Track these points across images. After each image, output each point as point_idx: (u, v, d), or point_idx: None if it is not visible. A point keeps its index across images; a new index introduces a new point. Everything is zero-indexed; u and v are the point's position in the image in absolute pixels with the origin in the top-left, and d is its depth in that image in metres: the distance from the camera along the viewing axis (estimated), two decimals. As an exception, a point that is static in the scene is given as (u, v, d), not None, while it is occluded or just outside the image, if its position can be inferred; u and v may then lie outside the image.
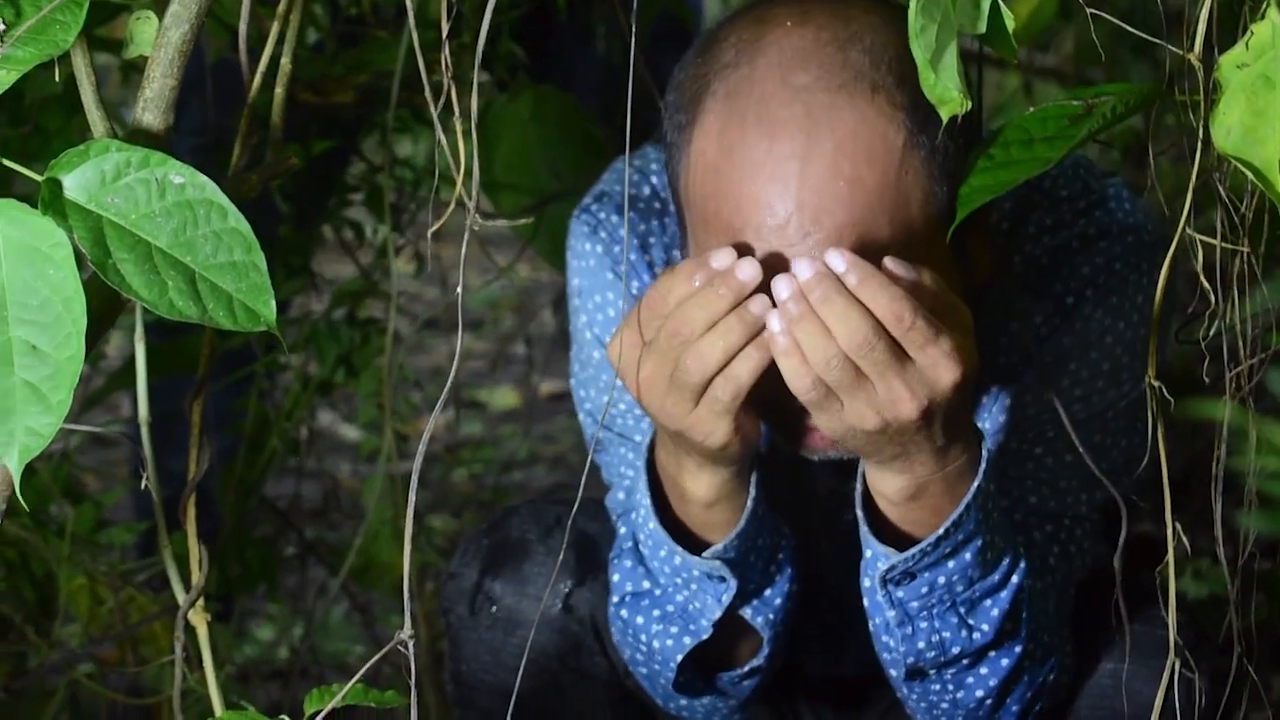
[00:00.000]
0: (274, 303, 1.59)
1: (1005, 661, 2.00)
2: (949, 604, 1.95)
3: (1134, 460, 1.98)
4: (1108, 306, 2.05)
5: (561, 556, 2.18)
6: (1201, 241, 1.82)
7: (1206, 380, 1.92)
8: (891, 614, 1.96)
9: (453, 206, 1.62)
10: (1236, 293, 1.84)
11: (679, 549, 1.97)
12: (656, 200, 2.17)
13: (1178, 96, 1.79)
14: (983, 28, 1.73)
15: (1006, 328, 2.08)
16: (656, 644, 2.05)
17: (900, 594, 1.94)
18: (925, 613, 1.95)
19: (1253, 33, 1.68)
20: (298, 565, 3.49)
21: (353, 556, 3.01)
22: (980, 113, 1.91)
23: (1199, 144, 1.76)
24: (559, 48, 2.96)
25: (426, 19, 2.67)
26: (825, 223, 1.84)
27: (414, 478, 1.67)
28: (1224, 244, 1.83)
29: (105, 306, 1.61)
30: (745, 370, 1.80)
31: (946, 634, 1.97)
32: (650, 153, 2.21)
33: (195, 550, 1.79)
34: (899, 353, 1.77)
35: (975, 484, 1.89)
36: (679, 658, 2.04)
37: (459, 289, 1.56)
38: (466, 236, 1.60)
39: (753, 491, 1.96)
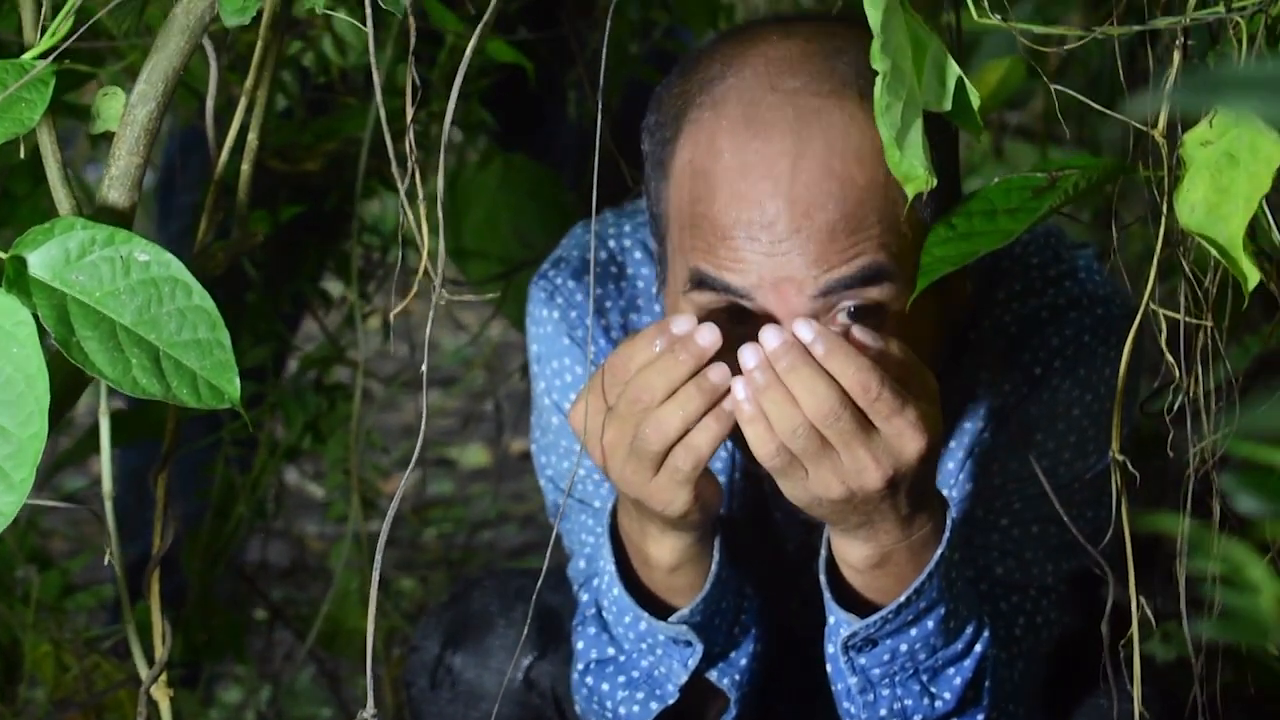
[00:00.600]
0: (238, 380, 1.59)
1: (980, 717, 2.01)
2: (911, 671, 1.95)
3: (1100, 531, 1.98)
4: (1075, 378, 2.05)
5: (525, 630, 2.17)
6: (1165, 315, 1.83)
7: (1171, 454, 1.92)
8: (854, 680, 1.96)
9: (418, 279, 1.62)
10: (1200, 367, 1.85)
11: (644, 614, 1.97)
12: (613, 264, 2.16)
13: (1141, 172, 1.79)
14: (948, 105, 1.74)
15: (972, 393, 2.08)
16: (623, 710, 2.04)
17: (862, 660, 1.94)
18: (887, 680, 1.95)
19: (1216, 111, 1.69)
20: (265, 628, 3.48)
21: (320, 623, 2.99)
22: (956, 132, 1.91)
23: (1163, 218, 1.77)
24: (529, 114, 2.96)
25: (395, 86, 2.68)
26: (816, 218, 1.84)
27: (378, 556, 1.67)
28: (1188, 318, 1.84)
29: (69, 384, 1.61)
30: (704, 441, 1.80)
31: (909, 701, 1.97)
32: (609, 217, 2.20)
33: (159, 625, 1.79)
34: (864, 422, 1.77)
35: (939, 552, 1.88)
36: None
37: (423, 365, 1.56)
38: (432, 313, 1.60)
39: (716, 555, 1.95)
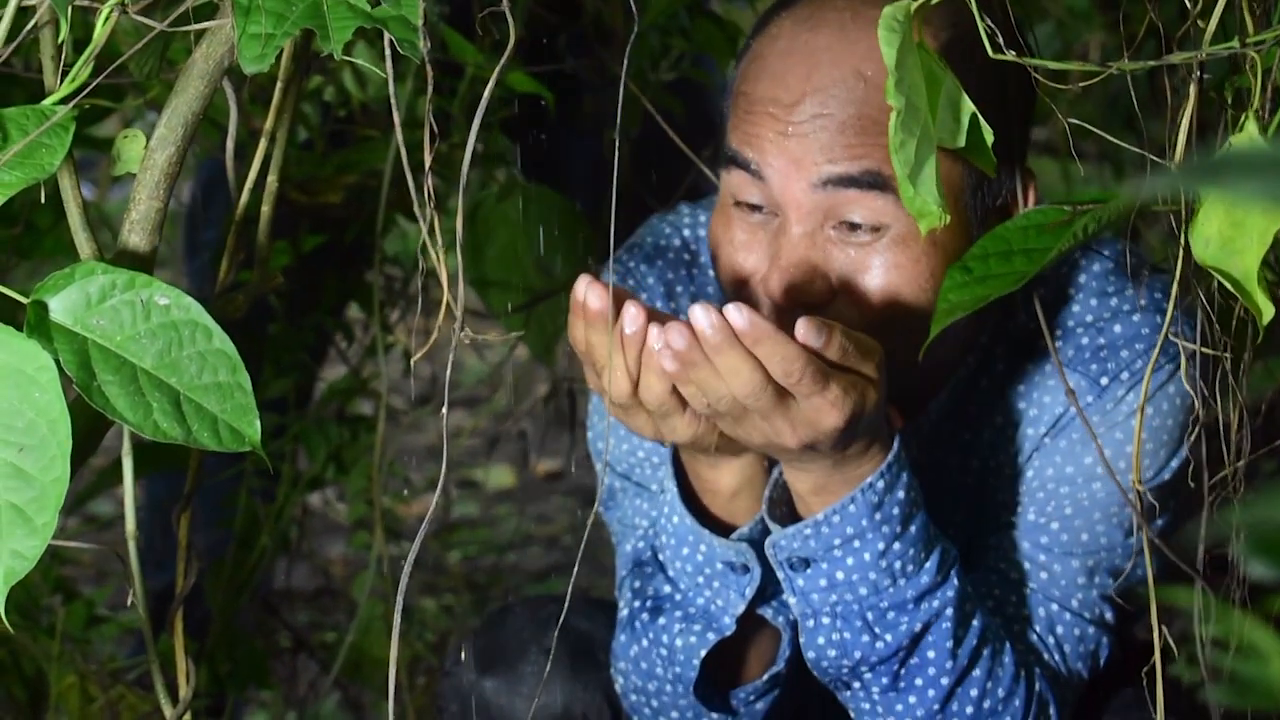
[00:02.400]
0: (258, 423, 1.60)
1: (932, 693, 2.03)
2: (855, 608, 1.99)
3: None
4: (1139, 393, 2.06)
5: (553, 654, 2.20)
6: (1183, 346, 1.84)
7: (1192, 484, 1.93)
8: (794, 603, 2.01)
9: (440, 321, 1.63)
10: (1220, 397, 1.85)
11: (705, 533, 2.02)
12: (686, 252, 2.25)
13: (1157, 207, 1.80)
14: (962, 141, 1.75)
15: (1037, 397, 2.13)
16: (679, 642, 2.08)
17: (801, 582, 1.99)
18: (829, 610, 2.00)
19: (1231, 144, 1.70)
20: (290, 655, 3.49)
21: (344, 653, 3.00)
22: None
23: (1180, 251, 1.78)
24: (550, 143, 2.97)
25: (415, 119, 2.68)
26: (835, 111, 1.94)
27: (399, 597, 1.67)
28: (1204, 349, 1.85)
29: (90, 428, 1.62)
30: (659, 388, 1.85)
31: (848, 635, 2.00)
32: (684, 208, 2.29)
33: (182, 664, 1.79)
34: (785, 396, 1.83)
35: (867, 480, 1.94)
36: (703, 653, 2.07)
37: (444, 408, 1.56)
38: (452, 354, 1.61)
39: (776, 472, 2.01)
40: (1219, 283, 1.73)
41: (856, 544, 1.97)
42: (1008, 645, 2.05)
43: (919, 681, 2.03)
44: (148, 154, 1.63)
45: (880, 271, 1.95)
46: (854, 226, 1.95)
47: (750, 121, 1.98)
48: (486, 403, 5.45)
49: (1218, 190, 0.68)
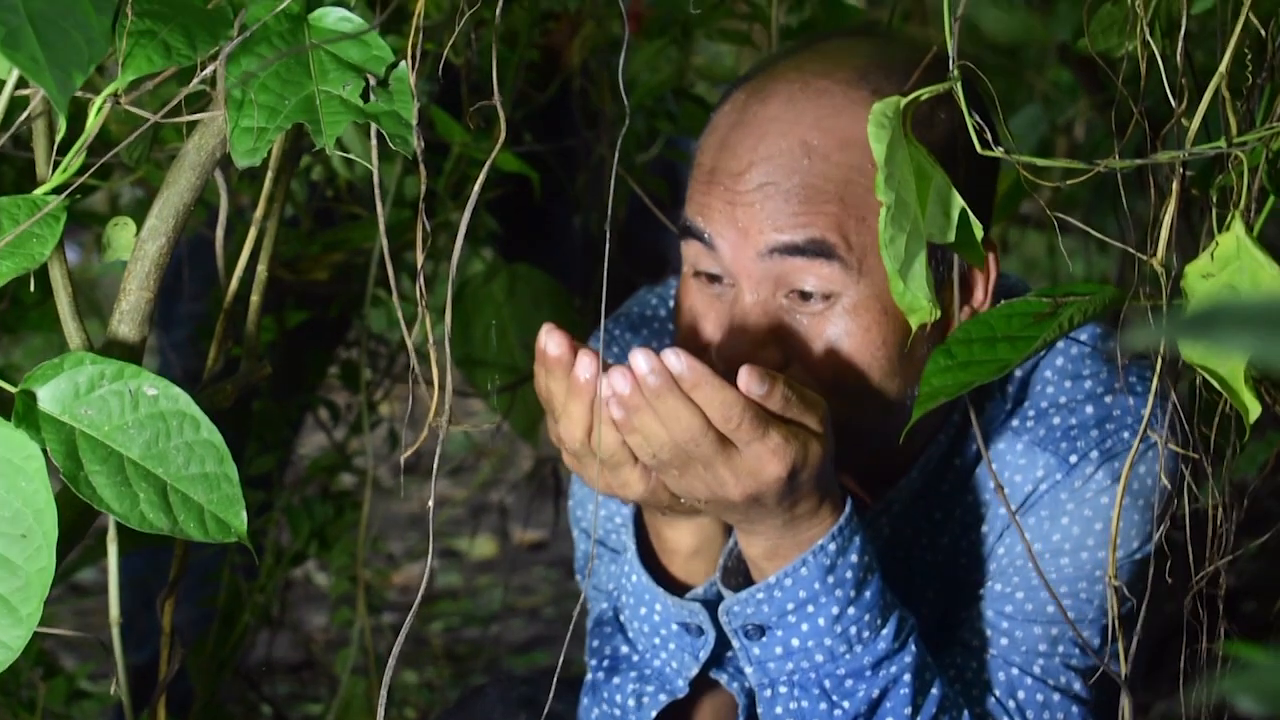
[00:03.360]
0: (245, 514, 1.59)
1: None
2: (811, 676, 1.99)
3: (1123, 621, 2.03)
4: (1109, 470, 2.07)
5: None
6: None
7: (1169, 580, 1.93)
8: (751, 672, 2.00)
9: (430, 416, 1.63)
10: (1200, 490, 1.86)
11: (660, 593, 2.02)
12: (670, 322, 2.27)
13: (1142, 301, 1.80)
14: (951, 237, 1.76)
15: (1005, 475, 2.12)
16: (631, 702, 2.09)
17: (757, 651, 1.99)
18: (786, 679, 2.00)
19: (1218, 243, 1.70)
20: (272, 728, 3.48)
21: (326, 731, 3.00)
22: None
23: (1162, 348, 1.78)
24: (535, 223, 2.98)
25: (402, 198, 2.69)
26: (781, 181, 1.96)
27: (385, 677, 1.67)
28: (1183, 451, 1.85)
29: (77, 518, 1.62)
30: (609, 436, 1.86)
31: (805, 703, 2.00)
32: (672, 281, 2.30)
33: (165, 753, 1.79)
34: (726, 444, 1.84)
35: (817, 543, 1.94)
36: (654, 714, 2.07)
37: (430, 501, 1.56)
38: (439, 451, 1.61)
39: (733, 538, 2.01)
40: (1203, 379, 1.74)
41: (810, 609, 1.97)
42: (966, 715, 2.05)
43: None
44: (138, 244, 1.63)
45: (832, 339, 1.97)
46: (805, 295, 1.96)
47: (702, 191, 2.01)
48: (471, 472, 5.45)
49: (1206, 344, 0.68)
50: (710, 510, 1.93)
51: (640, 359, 1.81)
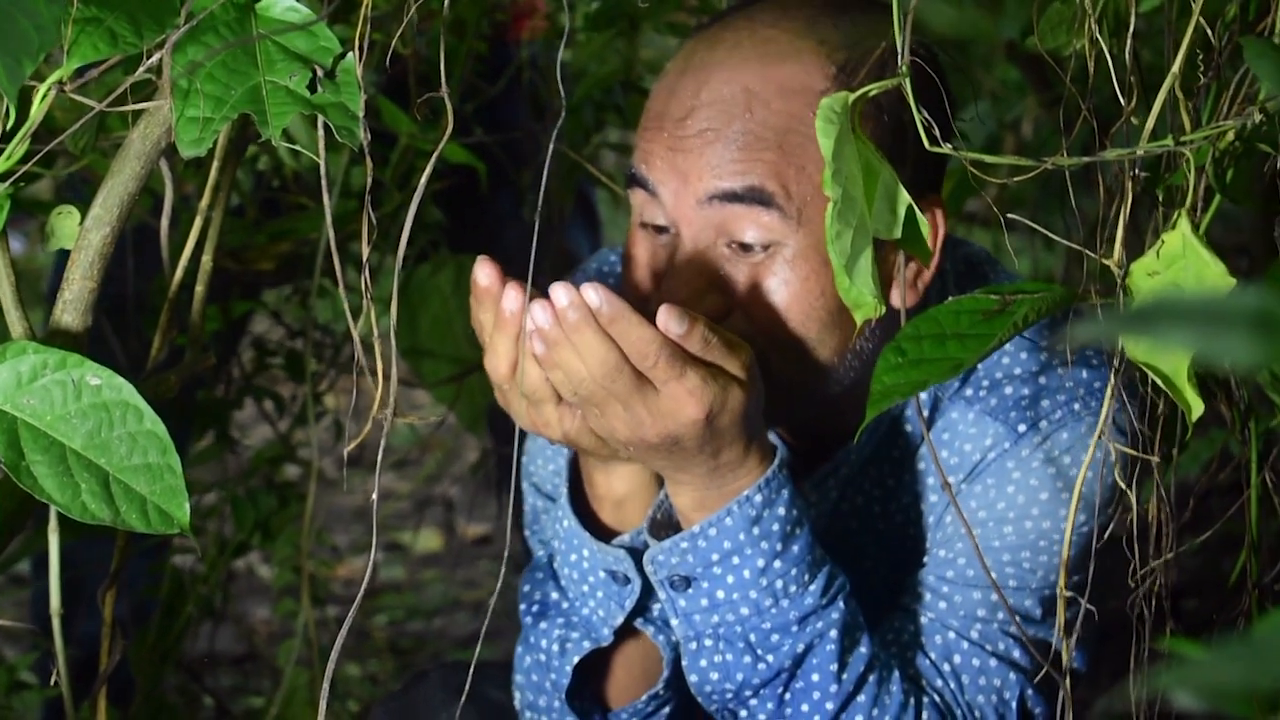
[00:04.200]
0: (188, 505, 1.58)
1: (817, 718, 2.03)
2: (737, 630, 2.00)
3: (1050, 601, 2.06)
4: (1056, 440, 2.08)
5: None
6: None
7: (1110, 576, 1.94)
8: (677, 624, 2.01)
9: (374, 410, 1.62)
10: (1149, 492, 1.86)
11: (588, 538, 2.03)
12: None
13: (1093, 300, 1.81)
14: (898, 233, 1.76)
15: (957, 445, 2.13)
16: (555, 647, 2.10)
17: (683, 603, 2.00)
18: (711, 631, 2.00)
19: (1164, 241, 1.71)
20: (213, 721, 3.47)
21: (268, 722, 2.98)
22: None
23: (1109, 345, 1.78)
24: (481, 213, 2.97)
25: (349, 188, 2.68)
26: (722, 127, 1.96)
27: (328, 671, 1.66)
28: (1135, 452, 1.85)
29: (17, 508, 1.60)
30: (534, 374, 1.87)
31: (730, 656, 2.01)
32: (610, 255, 2.34)
33: (105, 742, 1.78)
34: (643, 383, 1.85)
35: (744, 493, 1.95)
36: (576, 659, 2.09)
37: (374, 495, 1.56)
38: (383, 444, 1.60)
39: (662, 494, 2.03)
40: (1151, 380, 1.74)
41: (735, 560, 1.97)
42: (895, 675, 2.05)
43: (805, 707, 2.02)
44: (82, 233, 1.62)
45: (771, 289, 1.97)
46: (745, 245, 1.97)
47: (647, 138, 2.02)
48: (416, 465, 5.44)
49: (1149, 340, 0.68)
50: (633, 455, 1.93)
51: (560, 292, 1.82)
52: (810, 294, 1.97)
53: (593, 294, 1.81)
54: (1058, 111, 1.89)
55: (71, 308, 1.63)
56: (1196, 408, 1.70)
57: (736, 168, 1.96)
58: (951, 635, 2.09)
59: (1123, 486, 1.87)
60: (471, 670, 1.99)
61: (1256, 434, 1.97)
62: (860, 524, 2.19)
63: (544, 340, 1.83)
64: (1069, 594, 2.02)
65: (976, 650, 2.08)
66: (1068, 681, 1.87)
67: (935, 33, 4.53)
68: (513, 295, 1.84)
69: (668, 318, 1.84)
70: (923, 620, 2.10)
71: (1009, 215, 1.83)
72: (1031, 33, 1.99)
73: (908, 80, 1.71)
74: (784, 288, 1.97)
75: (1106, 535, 1.99)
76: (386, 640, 4.32)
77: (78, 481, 1.56)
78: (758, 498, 1.96)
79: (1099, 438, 1.84)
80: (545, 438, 1.95)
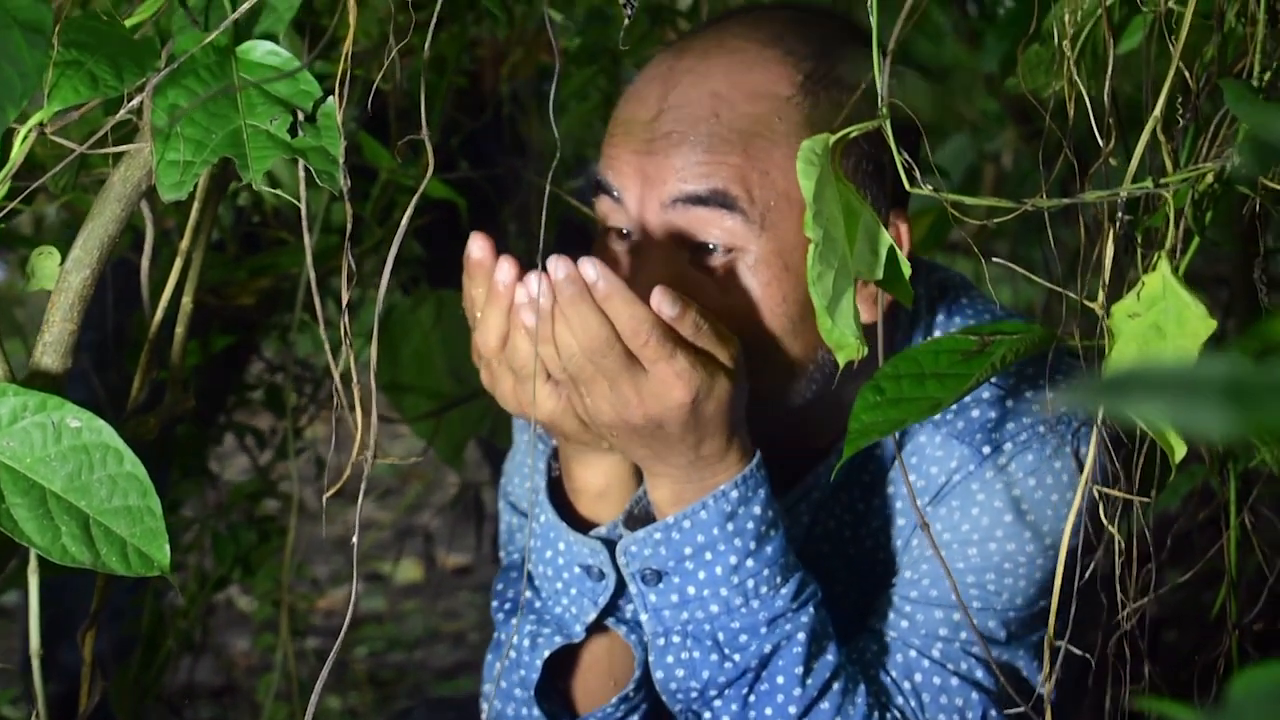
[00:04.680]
0: (168, 547, 1.58)
1: None
2: (706, 628, 2.00)
3: (1029, 622, 2.06)
4: (1021, 462, 2.08)
5: None
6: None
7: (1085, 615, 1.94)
8: (646, 620, 2.02)
9: (354, 453, 1.62)
10: (1128, 535, 1.86)
11: (564, 529, 2.03)
12: None
13: (1075, 341, 1.81)
14: (879, 274, 1.76)
15: (924, 468, 2.13)
16: (527, 643, 2.10)
17: (653, 598, 2.00)
18: (680, 628, 2.01)
19: (1144, 283, 1.71)
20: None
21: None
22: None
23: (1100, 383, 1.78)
24: (464, 249, 2.96)
25: (329, 225, 2.69)
26: (688, 130, 1.97)
27: (310, 707, 1.66)
28: (1118, 492, 1.85)
29: (-2, 551, 1.60)
30: (523, 348, 1.87)
31: (697, 654, 2.01)
32: None
33: (85, 787, 1.77)
34: (633, 362, 1.86)
35: (720, 487, 1.96)
36: (546, 654, 2.08)
37: (354, 537, 1.56)
38: (364, 483, 1.60)
39: (641, 490, 2.03)
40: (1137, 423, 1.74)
41: (708, 555, 1.98)
42: (862, 688, 2.05)
43: (768, 710, 2.02)
44: (62, 275, 1.62)
45: (733, 294, 1.97)
46: (709, 250, 1.98)
47: (613, 144, 2.02)
48: (396, 495, 5.43)
49: (1128, 410, 0.69)
50: (616, 440, 1.93)
51: (557, 264, 1.82)
52: (772, 299, 1.98)
53: (590, 268, 1.82)
54: (1038, 144, 1.90)
55: (51, 349, 1.63)
56: (1179, 450, 1.71)
57: (701, 170, 1.96)
58: (913, 654, 2.09)
59: (1103, 522, 1.87)
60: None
61: (1235, 474, 1.97)
62: (832, 548, 2.19)
63: (536, 312, 1.83)
64: (1040, 619, 2.03)
65: (938, 669, 2.08)
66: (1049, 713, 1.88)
67: (915, 58, 4.54)
68: (506, 268, 1.84)
69: (661, 299, 1.85)
70: (886, 639, 2.10)
71: (990, 253, 1.83)
72: (1011, 69, 2.00)
73: (888, 123, 1.71)
74: (746, 293, 1.98)
75: (1086, 565, 1.98)
76: (366, 672, 4.31)
77: (58, 524, 1.55)
78: (734, 494, 1.96)
79: (1091, 454, 1.83)
80: (527, 419, 1.94)
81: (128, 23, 1.60)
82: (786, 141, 1.97)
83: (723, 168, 1.96)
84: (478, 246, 1.86)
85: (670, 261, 1.98)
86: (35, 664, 1.80)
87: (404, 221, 1.68)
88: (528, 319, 1.84)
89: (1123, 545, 1.87)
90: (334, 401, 1.69)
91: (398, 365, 2.86)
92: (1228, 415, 0.62)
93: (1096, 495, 1.96)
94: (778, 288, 1.97)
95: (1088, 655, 1.85)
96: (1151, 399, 0.66)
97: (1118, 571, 1.88)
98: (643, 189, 1.98)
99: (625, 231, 2.01)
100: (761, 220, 1.96)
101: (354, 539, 1.55)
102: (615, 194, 2.00)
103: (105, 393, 2.76)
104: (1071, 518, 1.80)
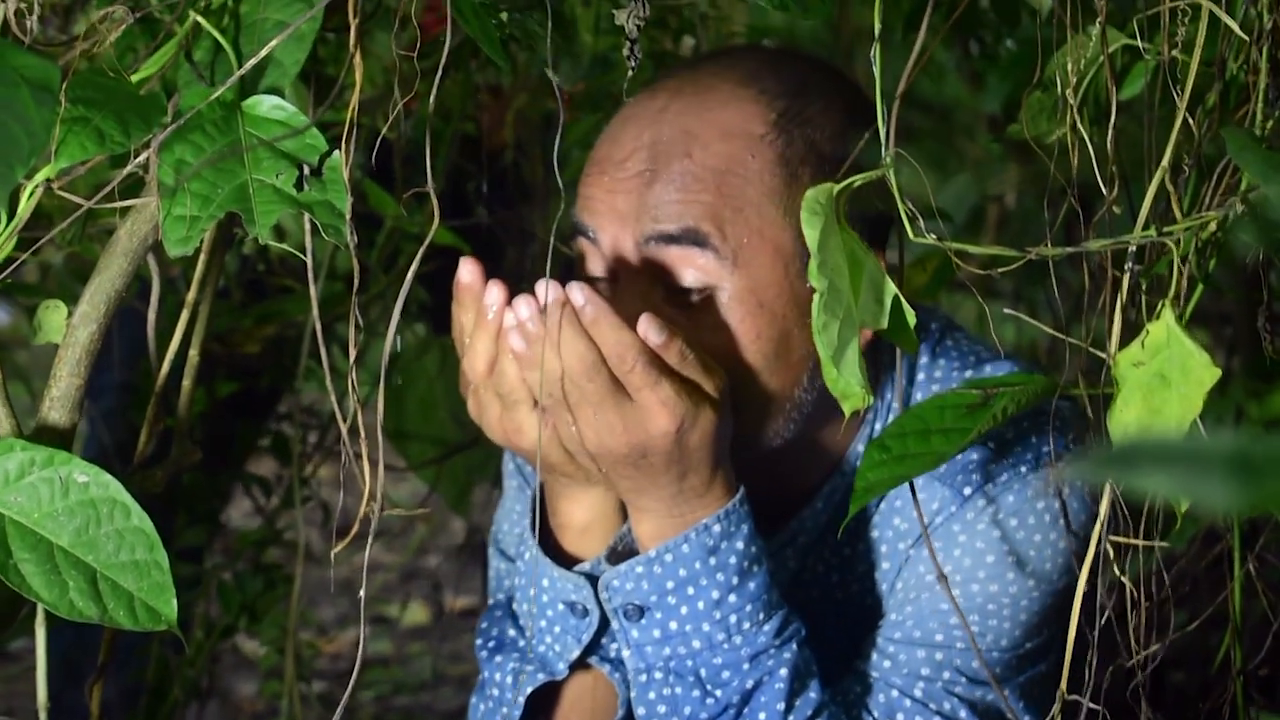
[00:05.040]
0: (175, 602, 1.58)
1: None
2: (688, 664, 1.99)
3: (1014, 664, 2.06)
4: (1003, 503, 2.07)
5: None
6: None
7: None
8: (629, 656, 2.01)
9: (363, 508, 1.62)
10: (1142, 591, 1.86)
11: (549, 564, 2.02)
12: None
13: (1080, 390, 1.81)
14: (884, 323, 1.76)
15: (905, 511, 2.13)
16: (509, 679, 2.09)
17: (636, 633, 2.00)
18: (662, 664, 2.00)
19: (1148, 332, 1.71)
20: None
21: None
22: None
23: (1104, 437, 1.78)
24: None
25: (334, 272, 2.69)
26: (661, 168, 1.97)
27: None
28: (1133, 541, 1.85)
29: (6, 606, 1.60)
30: (508, 368, 1.87)
31: (679, 690, 2.00)
32: None
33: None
34: (619, 389, 1.86)
35: (703, 521, 1.96)
36: (529, 690, 2.08)
37: (361, 592, 1.56)
38: (371, 535, 1.60)
39: (625, 527, 2.03)
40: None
41: (690, 590, 1.97)
42: None
43: None
44: (69, 330, 1.62)
45: (708, 333, 1.97)
46: (683, 289, 1.98)
47: (588, 185, 2.02)
48: (403, 537, 5.43)
49: (1133, 482, 0.69)
50: (601, 469, 1.92)
51: (543, 288, 1.83)
52: (746, 336, 1.98)
53: (578, 293, 1.83)
54: (1041, 184, 1.90)
55: (59, 404, 1.63)
56: (1185, 500, 1.71)
57: (674, 209, 1.96)
58: (895, 694, 2.08)
59: (1108, 566, 1.86)
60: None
61: (1239, 521, 1.97)
62: (821, 593, 2.19)
63: (524, 336, 1.83)
64: (1028, 660, 2.03)
65: (920, 708, 2.07)
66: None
67: (919, 97, 4.55)
68: (495, 292, 1.86)
69: (648, 326, 1.85)
70: (869, 679, 2.10)
71: (994, 291, 1.83)
72: (1014, 110, 2.00)
73: (891, 171, 1.72)
74: (721, 331, 1.97)
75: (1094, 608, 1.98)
76: (373, 715, 4.31)
77: (65, 579, 1.56)
78: (716, 528, 1.96)
79: (1104, 503, 1.83)
80: (515, 447, 1.94)
81: (134, 77, 1.61)
82: (760, 179, 1.98)
83: (695, 205, 1.96)
84: (467, 271, 1.87)
85: (645, 299, 1.97)
86: (42, 716, 1.80)
87: (409, 277, 1.68)
88: (515, 343, 1.84)
89: (1132, 590, 1.87)
90: (341, 449, 1.69)
91: (402, 412, 2.86)
92: (1232, 489, 0.63)
93: (1062, 518, 1.96)
94: (752, 324, 1.97)
95: (1093, 705, 1.85)
96: (1157, 472, 0.66)
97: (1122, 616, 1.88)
98: (617, 228, 1.99)
99: (600, 274, 2.01)
100: (734, 257, 1.96)
101: (361, 592, 1.55)
102: (590, 234, 2.01)
103: (113, 442, 2.76)
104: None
